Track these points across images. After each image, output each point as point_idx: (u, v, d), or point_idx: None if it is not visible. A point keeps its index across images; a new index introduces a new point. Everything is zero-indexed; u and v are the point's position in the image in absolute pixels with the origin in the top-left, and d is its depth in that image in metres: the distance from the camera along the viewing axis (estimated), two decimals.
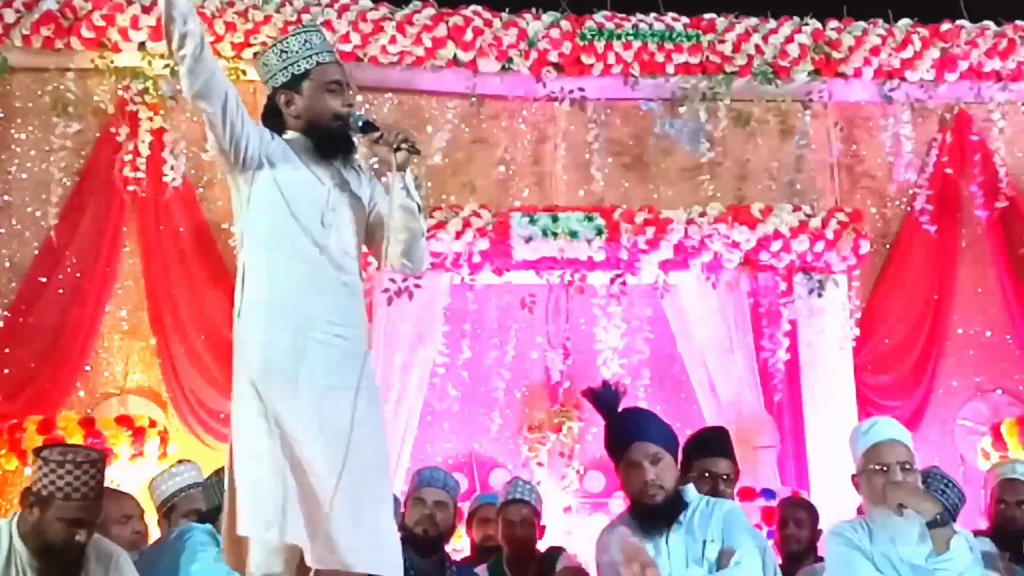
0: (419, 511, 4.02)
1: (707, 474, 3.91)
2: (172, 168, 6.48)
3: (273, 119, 3.05)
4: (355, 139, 3.03)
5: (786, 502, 4.91)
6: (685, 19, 6.99)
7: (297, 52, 3.00)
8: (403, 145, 2.91)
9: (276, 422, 2.73)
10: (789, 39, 6.94)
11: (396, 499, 4.41)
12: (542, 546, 4.59)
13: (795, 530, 4.47)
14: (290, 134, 3.02)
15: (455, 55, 6.75)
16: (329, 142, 2.99)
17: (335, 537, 2.67)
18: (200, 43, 2.74)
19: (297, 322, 2.81)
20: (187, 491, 4.18)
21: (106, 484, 3.37)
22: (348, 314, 2.88)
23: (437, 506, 4.02)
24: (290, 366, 2.77)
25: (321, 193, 2.92)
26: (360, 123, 2.97)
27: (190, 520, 3.89)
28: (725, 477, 3.92)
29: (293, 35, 3.07)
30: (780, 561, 4.37)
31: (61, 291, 6.36)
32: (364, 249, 3.12)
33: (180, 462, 4.36)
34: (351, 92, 3.06)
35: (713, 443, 4.10)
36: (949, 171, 7.04)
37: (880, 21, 7.10)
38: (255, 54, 6.58)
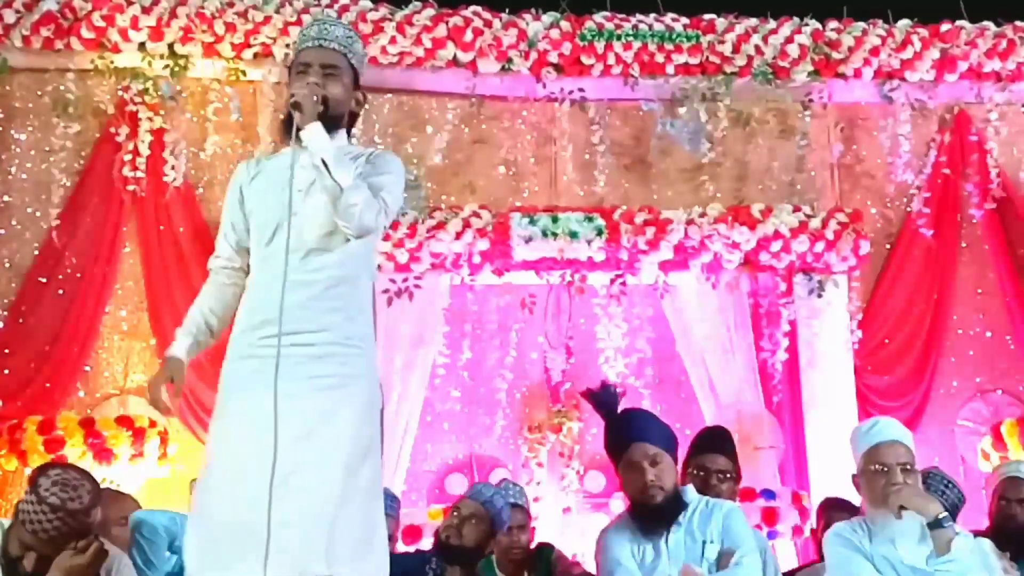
0: (450, 519, 4.03)
1: (700, 470, 3.91)
2: (173, 168, 6.48)
3: None
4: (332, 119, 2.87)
5: (830, 504, 4.65)
6: (685, 19, 7.00)
7: (297, 46, 3.01)
8: (290, 105, 2.79)
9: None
10: (789, 39, 6.95)
11: (389, 493, 4.41)
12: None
13: None
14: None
15: (455, 55, 6.76)
16: (288, 127, 2.84)
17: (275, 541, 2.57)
18: None
19: (243, 342, 2.81)
20: None
21: (105, 486, 3.38)
22: (304, 314, 2.74)
23: (469, 519, 4.00)
24: (228, 386, 2.79)
25: (279, 199, 2.82)
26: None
27: None
28: (719, 473, 3.90)
29: (302, 32, 3.06)
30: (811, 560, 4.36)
31: (61, 291, 6.36)
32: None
33: None
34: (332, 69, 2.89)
35: (708, 440, 4.10)
36: (947, 171, 7.03)
37: (880, 21, 7.11)
38: (255, 54, 6.60)
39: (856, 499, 4.47)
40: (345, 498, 2.67)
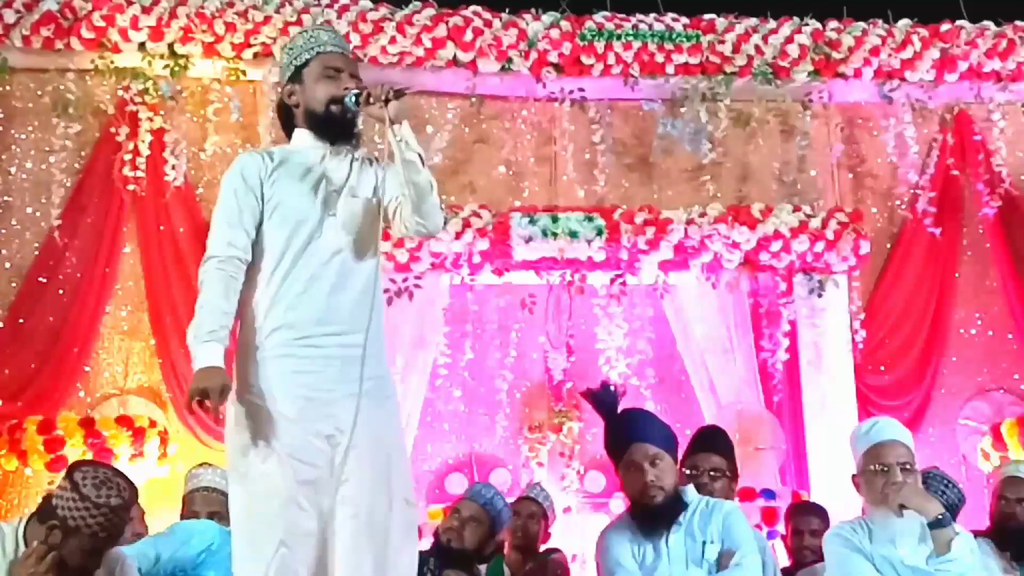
0: (450, 521, 4.03)
1: (693, 469, 3.91)
2: (173, 168, 6.48)
3: (285, 120, 3.06)
4: (359, 123, 2.96)
5: (797, 509, 4.68)
6: (685, 19, 6.99)
7: (301, 47, 3.01)
8: (391, 95, 2.79)
9: None
10: (789, 39, 6.94)
11: None
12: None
13: (810, 540, 4.23)
14: (295, 135, 3.02)
15: (455, 55, 6.75)
16: (329, 127, 2.94)
17: None
18: None
19: (277, 341, 2.83)
20: (198, 492, 4.21)
21: None
22: (348, 315, 2.83)
23: (470, 520, 4.00)
24: (270, 388, 2.79)
25: (312, 197, 2.87)
26: (353, 99, 2.86)
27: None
28: (711, 472, 3.90)
29: (300, 33, 3.09)
30: (789, 565, 4.36)
31: (61, 291, 6.36)
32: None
33: (201, 465, 4.38)
34: (357, 80, 2.95)
35: (702, 439, 4.10)
36: (955, 172, 7.03)
37: (880, 21, 7.10)
38: (255, 54, 6.59)
39: (826, 504, 4.51)
40: (388, 506, 2.74)
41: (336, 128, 2.94)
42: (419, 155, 2.83)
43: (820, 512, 4.49)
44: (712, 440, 4.07)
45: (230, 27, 6.54)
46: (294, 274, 2.80)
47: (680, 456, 3.69)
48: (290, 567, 2.63)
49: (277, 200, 2.85)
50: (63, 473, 3.26)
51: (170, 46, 6.52)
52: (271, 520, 2.66)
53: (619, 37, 6.85)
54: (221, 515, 3.76)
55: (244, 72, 6.61)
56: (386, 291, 6.34)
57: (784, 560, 4.39)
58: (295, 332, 2.76)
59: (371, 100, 2.81)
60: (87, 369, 6.42)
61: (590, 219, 6.45)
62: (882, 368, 6.79)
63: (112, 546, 3.22)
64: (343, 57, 3.00)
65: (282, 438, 2.69)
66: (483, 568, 4.31)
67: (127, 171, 6.43)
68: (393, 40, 6.67)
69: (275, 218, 2.84)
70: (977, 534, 3.56)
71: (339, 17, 6.65)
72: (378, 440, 2.76)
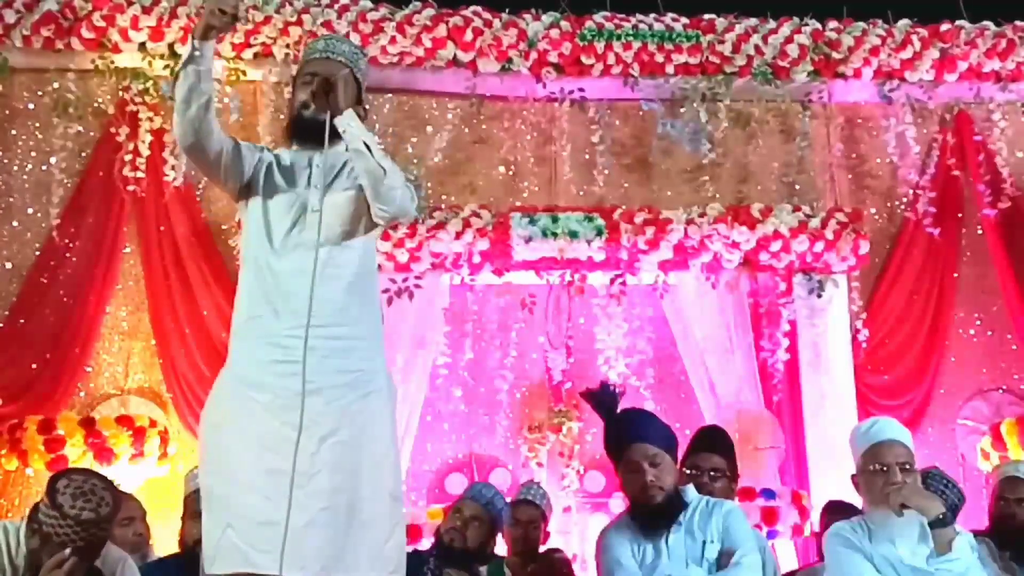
0: (452, 521, 4.03)
1: (693, 469, 3.91)
2: (173, 168, 6.48)
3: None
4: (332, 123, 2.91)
5: (832, 508, 4.57)
6: (685, 19, 7.00)
7: (302, 57, 3.06)
8: (323, 88, 2.83)
9: None
10: (789, 39, 6.94)
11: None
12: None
13: None
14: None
15: (455, 55, 6.76)
16: (304, 132, 2.93)
17: None
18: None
19: (260, 330, 2.82)
20: (198, 493, 4.21)
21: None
22: (331, 307, 2.79)
23: (472, 520, 4.01)
24: (245, 374, 2.81)
25: (296, 193, 2.88)
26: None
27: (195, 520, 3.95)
28: (711, 472, 3.89)
29: (308, 45, 3.10)
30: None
31: (62, 292, 6.37)
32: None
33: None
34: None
35: (703, 439, 4.10)
36: (956, 173, 7.03)
37: (880, 21, 7.10)
38: (255, 54, 6.60)
39: (859, 501, 4.48)
40: (370, 499, 2.71)
41: (311, 132, 2.90)
42: (366, 143, 2.79)
43: (855, 511, 4.44)
44: (712, 440, 4.07)
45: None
46: (278, 265, 2.81)
47: (680, 456, 3.69)
48: (239, 552, 2.60)
49: (264, 189, 2.88)
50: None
51: (170, 46, 6.53)
52: (224, 502, 2.67)
53: (619, 37, 6.86)
54: None
55: (244, 72, 6.61)
56: (386, 291, 6.34)
57: (783, 560, 4.40)
58: (276, 322, 2.77)
59: (315, 97, 2.85)
60: (88, 369, 6.43)
61: (590, 219, 6.45)
62: (882, 368, 6.80)
63: (91, 558, 3.12)
64: (324, 61, 2.97)
65: (253, 425, 2.69)
66: (483, 569, 4.32)
67: (127, 171, 6.44)
68: (393, 40, 6.67)
69: (259, 208, 2.87)
70: (977, 534, 3.56)
71: (339, 17, 6.65)
72: (360, 433, 2.73)
